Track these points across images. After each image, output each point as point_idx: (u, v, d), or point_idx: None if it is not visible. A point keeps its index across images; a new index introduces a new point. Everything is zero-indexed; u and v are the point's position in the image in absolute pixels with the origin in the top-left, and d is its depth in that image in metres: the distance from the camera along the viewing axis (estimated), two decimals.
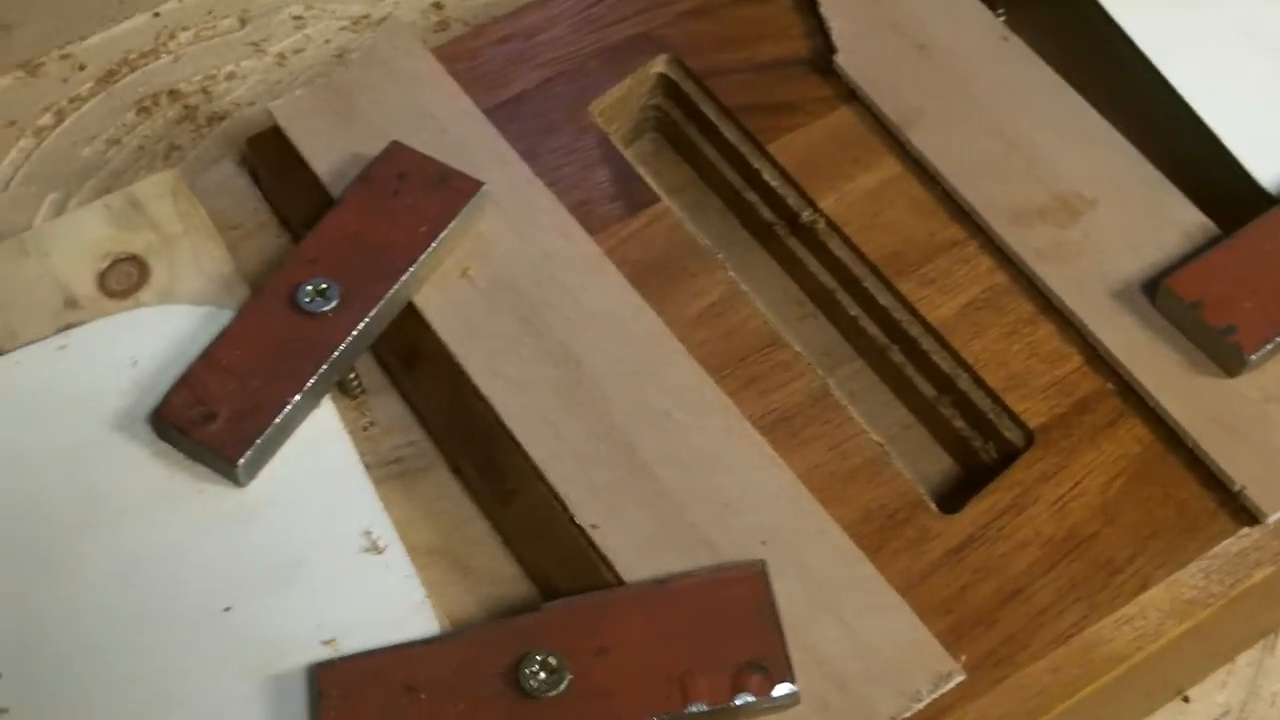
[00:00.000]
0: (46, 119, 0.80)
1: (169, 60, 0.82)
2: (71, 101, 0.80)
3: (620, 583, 0.56)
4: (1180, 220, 0.65)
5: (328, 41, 0.82)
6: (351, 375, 0.63)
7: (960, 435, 0.63)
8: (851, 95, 0.70)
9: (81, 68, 0.81)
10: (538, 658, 0.53)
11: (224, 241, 0.67)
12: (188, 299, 0.65)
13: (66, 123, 0.79)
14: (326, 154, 0.68)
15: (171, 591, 0.57)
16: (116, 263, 0.66)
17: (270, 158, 0.70)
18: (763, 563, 0.56)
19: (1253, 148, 0.66)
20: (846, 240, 0.66)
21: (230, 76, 0.81)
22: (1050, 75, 0.70)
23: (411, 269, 0.63)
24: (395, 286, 0.62)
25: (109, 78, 0.81)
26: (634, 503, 0.58)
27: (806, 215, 0.67)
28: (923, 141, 0.67)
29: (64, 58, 0.82)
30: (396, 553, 0.58)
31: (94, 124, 0.79)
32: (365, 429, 0.63)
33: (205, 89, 0.81)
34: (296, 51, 0.82)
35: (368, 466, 0.61)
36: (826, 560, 0.57)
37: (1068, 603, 0.57)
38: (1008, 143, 0.67)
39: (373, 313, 0.62)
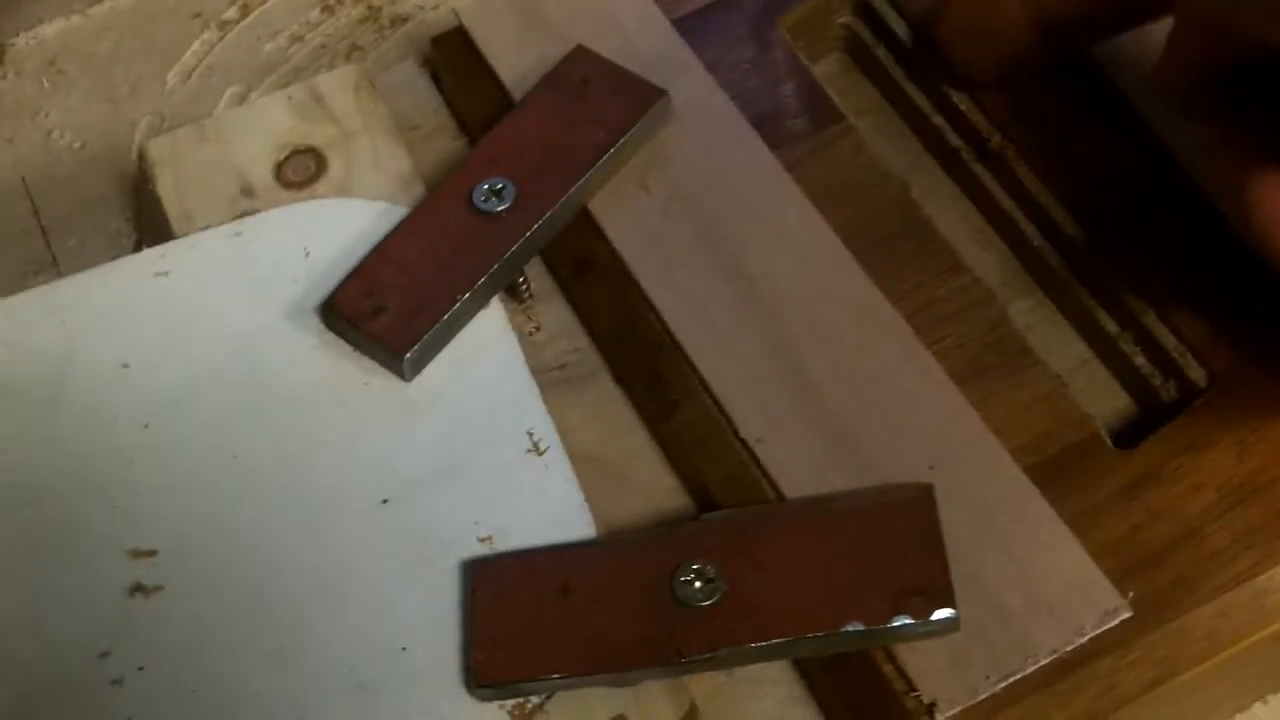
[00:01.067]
0: (231, 13, 0.80)
1: None
2: None
3: (782, 500, 0.55)
4: None
5: None
6: (521, 280, 0.63)
7: (1141, 373, 0.61)
8: None
9: None
10: (694, 567, 0.53)
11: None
12: (363, 194, 0.64)
13: (250, 17, 0.80)
14: (510, 57, 0.67)
15: (332, 481, 0.57)
16: (295, 154, 0.66)
17: (453, 60, 0.69)
18: (930, 486, 0.54)
19: None
20: (1035, 169, 0.64)
21: None
22: None
23: (589, 174, 0.62)
24: (571, 190, 0.62)
25: None
26: (800, 420, 0.57)
27: (996, 141, 0.65)
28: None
29: None
30: (557, 455, 0.57)
31: (278, 20, 0.80)
32: (531, 334, 0.63)
33: None
34: None
35: (532, 371, 0.61)
36: (995, 490, 0.55)
37: (1241, 548, 0.55)
38: None
39: (547, 215, 0.61)
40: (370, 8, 0.80)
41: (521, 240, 0.61)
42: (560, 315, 0.64)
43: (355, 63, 0.77)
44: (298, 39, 0.79)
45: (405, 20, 0.79)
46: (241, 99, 0.76)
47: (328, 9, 0.80)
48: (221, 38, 0.79)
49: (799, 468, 0.56)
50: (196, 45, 0.79)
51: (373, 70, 0.75)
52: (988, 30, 0.64)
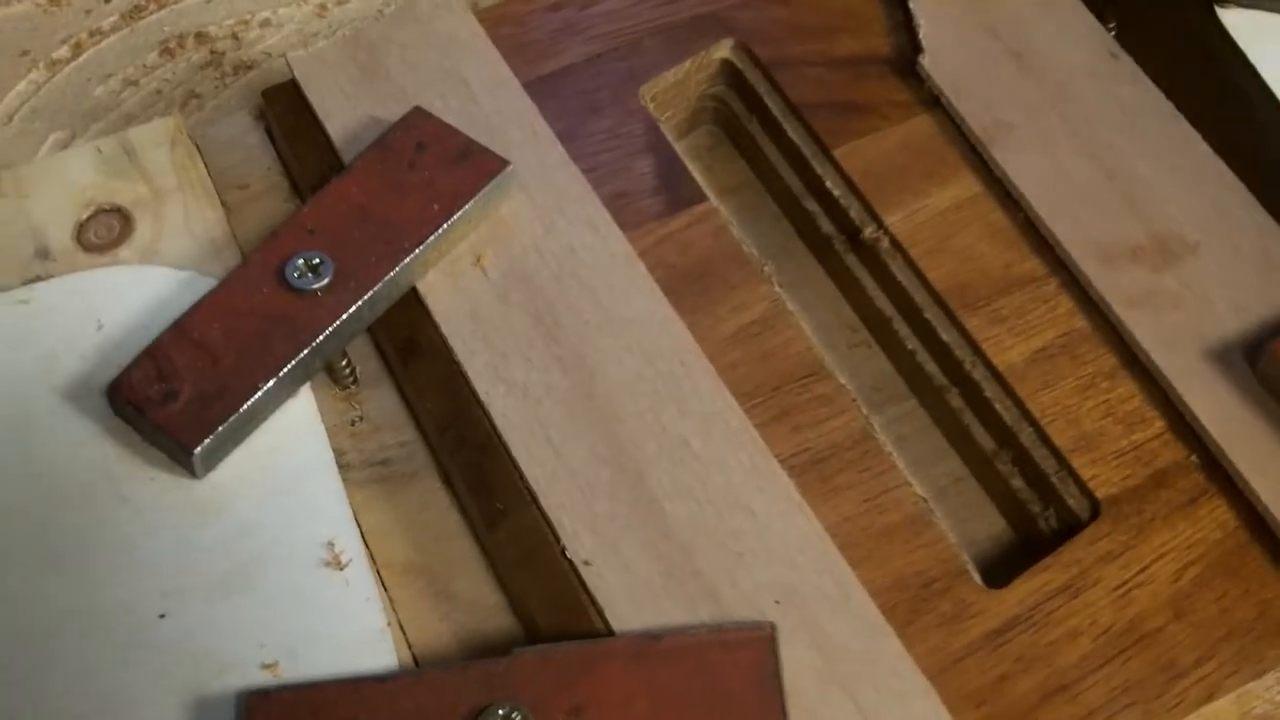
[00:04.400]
0: (63, 52, 0.73)
1: (201, 0, 0.75)
2: (92, 35, 0.74)
3: (609, 631, 0.49)
4: None
5: None
6: (344, 363, 0.56)
7: (1018, 498, 0.55)
8: (934, 102, 0.63)
9: (107, 0, 0.75)
10: (500, 711, 0.46)
11: (227, 201, 0.62)
12: (171, 261, 0.58)
13: (83, 57, 0.73)
14: (343, 114, 0.61)
15: (105, 588, 0.51)
16: (99, 213, 0.60)
17: (286, 114, 0.63)
18: (772, 625, 0.48)
19: None
20: (911, 264, 0.58)
21: (265, 24, 0.74)
22: (1160, 100, 0.62)
23: (417, 251, 0.56)
24: (396, 269, 0.55)
25: (135, 13, 0.75)
26: (635, 540, 0.51)
27: (869, 232, 0.59)
28: (1008, 160, 0.60)
29: None
30: (360, 570, 0.51)
31: (112, 61, 0.73)
32: (353, 424, 0.57)
33: (235, 34, 0.74)
34: (340, 3, 0.75)
35: (350, 466, 0.55)
36: (847, 629, 0.49)
37: (1119, 706, 0.49)
38: (1105, 171, 0.60)
39: (367, 296, 0.55)
40: (213, 52, 0.73)
41: (337, 323, 0.54)
42: (387, 404, 0.58)
43: (191, 112, 0.71)
44: (132, 83, 0.72)
45: (250, 68, 0.73)
46: (65, 146, 0.70)
47: (167, 52, 0.73)
48: (50, 78, 0.72)
49: (630, 596, 0.50)
50: (22, 86, 0.72)
51: (209, 121, 0.69)
52: None
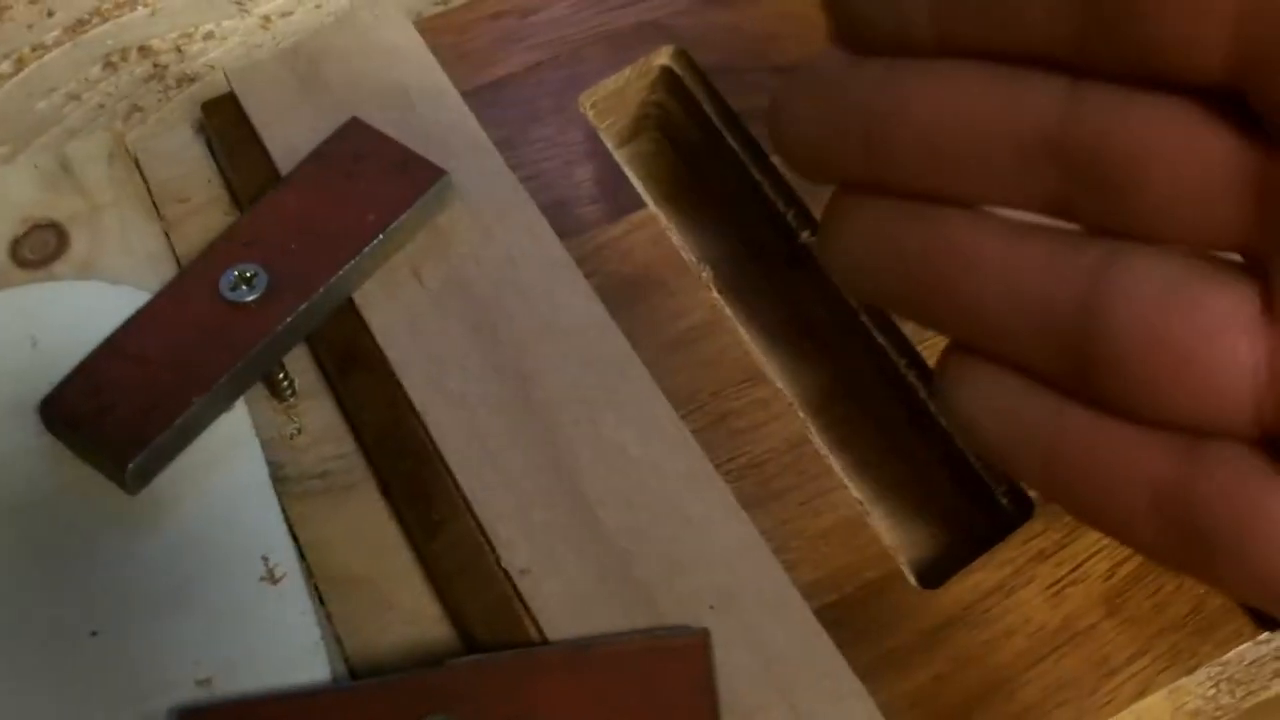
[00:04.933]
0: (4, 67, 0.73)
1: (145, 13, 0.75)
2: (34, 50, 0.73)
3: (544, 640, 0.49)
4: None
5: (318, 6, 0.75)
6: (282, 375, 0.56)
7: (953, 499, 0.55)
8: None
9: (50, 14, 0.75)
10: None
11: (168, 215, 0.61)
12: (108, 276, 0.58)
13: (25, 72, 0.73)
14: (281, 126, 0.61)
15: (35, 607, 0.50)
16: (35, 229, 0.59)
17: (226, 127, 0.63)
18: (706, 632, 0.48)
19: None
20: None
21: (208, 36, 0.74)
22: None
23: (353, 261, 0.56)
24: (332, 280, 0.55)
25: (78, 27, 0.74)
26: (571, 549, 0.51)
27: (805, 237, 0.59)
28: None
29: (33, 2, 0.75)
30: (295, 584, 0.51)
31: (55, 76, 0.73)
32: (291, 436, 0.57)
33: (179, 47, 0.74)
34: (284, 15, 0.75)
35: (289, 478, 0.55)
36: (782, 633, 0.49)
37: (1053, 704, 0.49)
38: None
39: (302, 307, 0.55)
40: (156, 65, 0.73)
41: (270, 336, 0.54)
42: (326, 416, 0.57)
43: (133, 125, 0.70)
44: (74, 98, 0.72)
45: (193, 80, 0.73)
46: (7, 161, 0.69)
47: (110, 65, 0.73)
48: None
49: (565, 605, 0.50)
50: None
51: (151, 134, 0.68)
52: None
